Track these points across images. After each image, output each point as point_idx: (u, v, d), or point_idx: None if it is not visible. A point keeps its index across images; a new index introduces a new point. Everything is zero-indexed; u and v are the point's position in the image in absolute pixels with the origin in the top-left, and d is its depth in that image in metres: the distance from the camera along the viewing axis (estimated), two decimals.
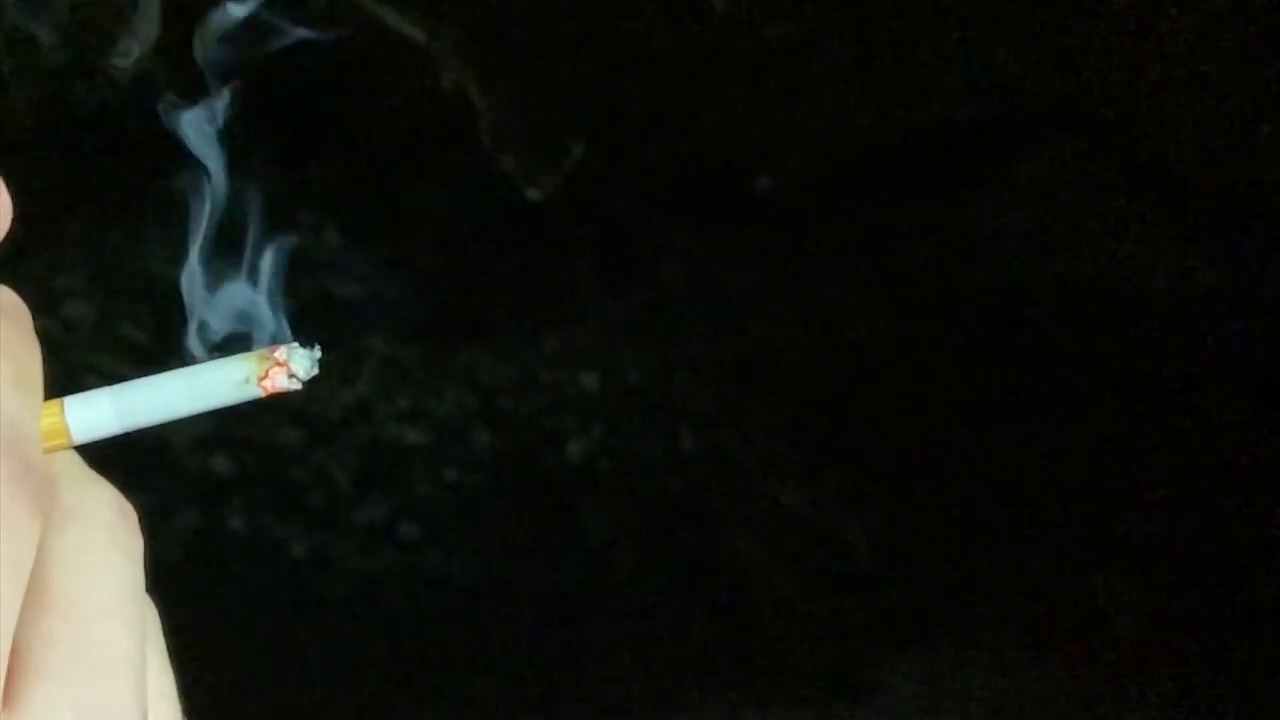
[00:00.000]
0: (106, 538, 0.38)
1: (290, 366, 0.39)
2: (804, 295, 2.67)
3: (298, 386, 0.40)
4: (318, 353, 0.40)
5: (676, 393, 2.59)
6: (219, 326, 0.43)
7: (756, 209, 2.71)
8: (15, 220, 0.40)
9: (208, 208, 0.46)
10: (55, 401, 0.39)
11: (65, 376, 0.43)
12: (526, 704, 2.23)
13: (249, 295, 0.45)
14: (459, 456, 2.48)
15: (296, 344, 0.40)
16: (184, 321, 0.45)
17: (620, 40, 2.61)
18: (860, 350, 2.63)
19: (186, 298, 0.45)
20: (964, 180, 2.76)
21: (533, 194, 2.42)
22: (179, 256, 0.46)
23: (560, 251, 2.65)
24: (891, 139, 2.73)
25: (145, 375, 0.40)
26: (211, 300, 0.45)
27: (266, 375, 0.39)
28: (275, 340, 0.41)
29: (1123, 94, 2.66)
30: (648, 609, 2.36)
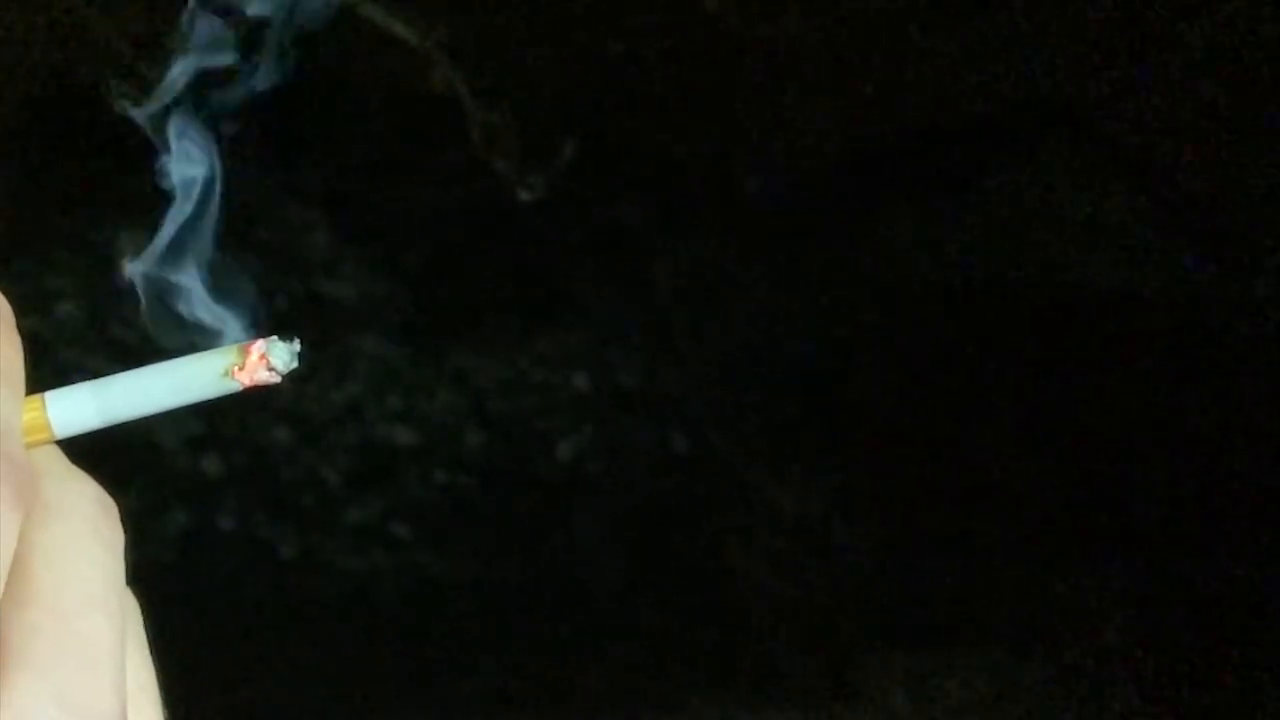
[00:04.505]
0: (88, 531, 0.38)
1: (269, 359, 0.40)
2: (795, 297, 2.68)
3: (277, 379, 0.40)
4: (297, 345, 0.40)
5: (668, 394, 2.59)
6: (203, 322, 0.43)
7: (747, 210, 2.71)
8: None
9: (199, 207, 0.47)
10: (37, 396, 0.40)
11: (54, 375, 0.43)
12: (517, 704, 2.23)
13: (234, 292, 0.45)
14: (450, 457, 2.48)
15: (275, 337, 0.40)
16: (171, 318, 0.45)
17: (611, 42, 2.61)
18: (851, 352, 2.63)
19: (178, 293, 0.45)
20: (956, 181, 2.76)
21: (524, 195, 2.43)
22: (172, 254, 0.46)
23: (551, 252, 2.65)
24: (881, 141, 2.73)
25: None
26: (198, 296, 0.45)
27: (245, 368, 0.40)
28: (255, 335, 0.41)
29: (1113, 97, 2.67)
30: (638, 610, 2.36)
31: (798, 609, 2.37)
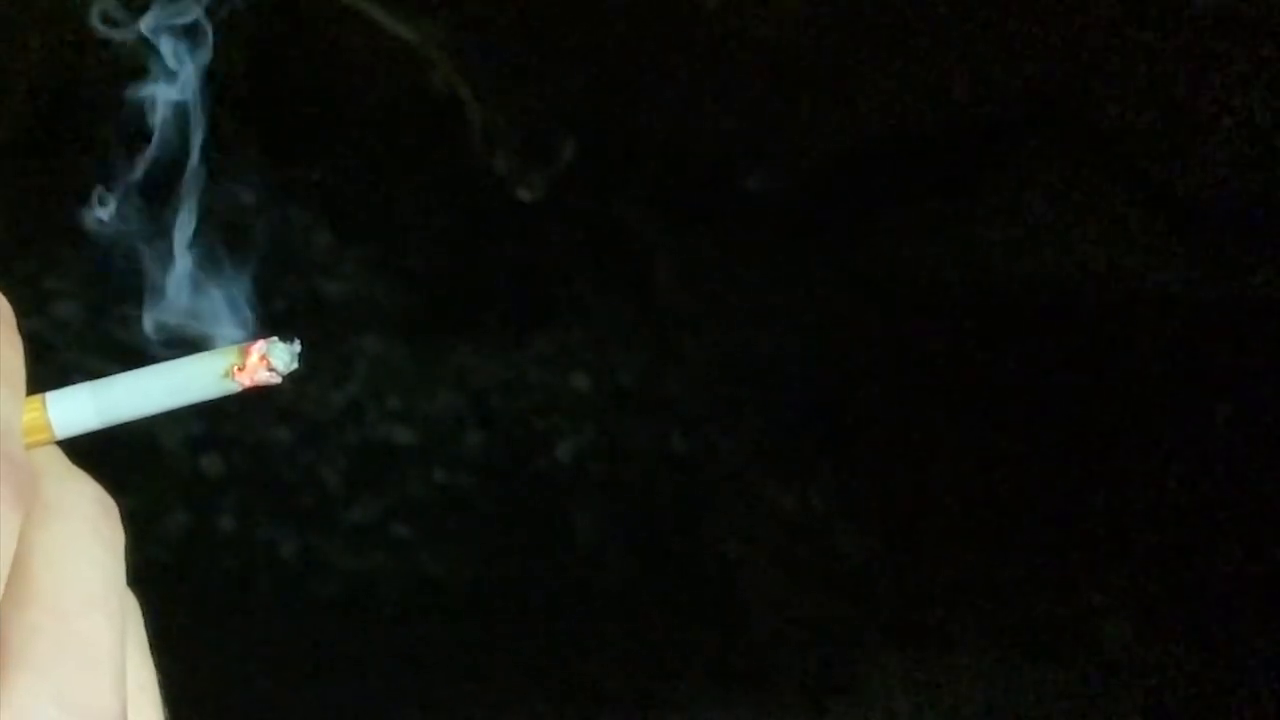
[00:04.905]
0: (88, 531, 0.39)
1: (270, 360, 0.40)
2: (795, 297, 2.68)
3: (277, 380, 0.40)
4: (297, 346, 0.40)
5: (667, 394, 2.59)
6: (200, 323, 0.43)
7: (748, 210, 2.71)
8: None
9: (198, 207, 0.47)
10: (37, 397, 0.40)
11: (54, 375, 0.43)
12: (516, 704, 2.23)
13: (234, 293, 0.45)
14: (450, 456, 2.48)
15: (275, 338, 0.40)
16: (169, 319, 0.45)
17: (611, 41, 2.61)
18: (851, 352, 2.63)
19: (172, 293, 0.45)
20: (956, 181, 2.76)
21: (523, 194, 2.43)
22: (169, 255, 0.46)
23: (551, 252, 2.65)
24: (881, 141, 2.73)
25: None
26: (196, 297, 0.45)
27: (245, 368, 0.40)
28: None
29: (1111, 99, 2.67)
30: (638, 609, 2.36)
31: (797, 608, 2.37)
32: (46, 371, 0.42)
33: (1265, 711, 2.25)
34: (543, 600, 2.36)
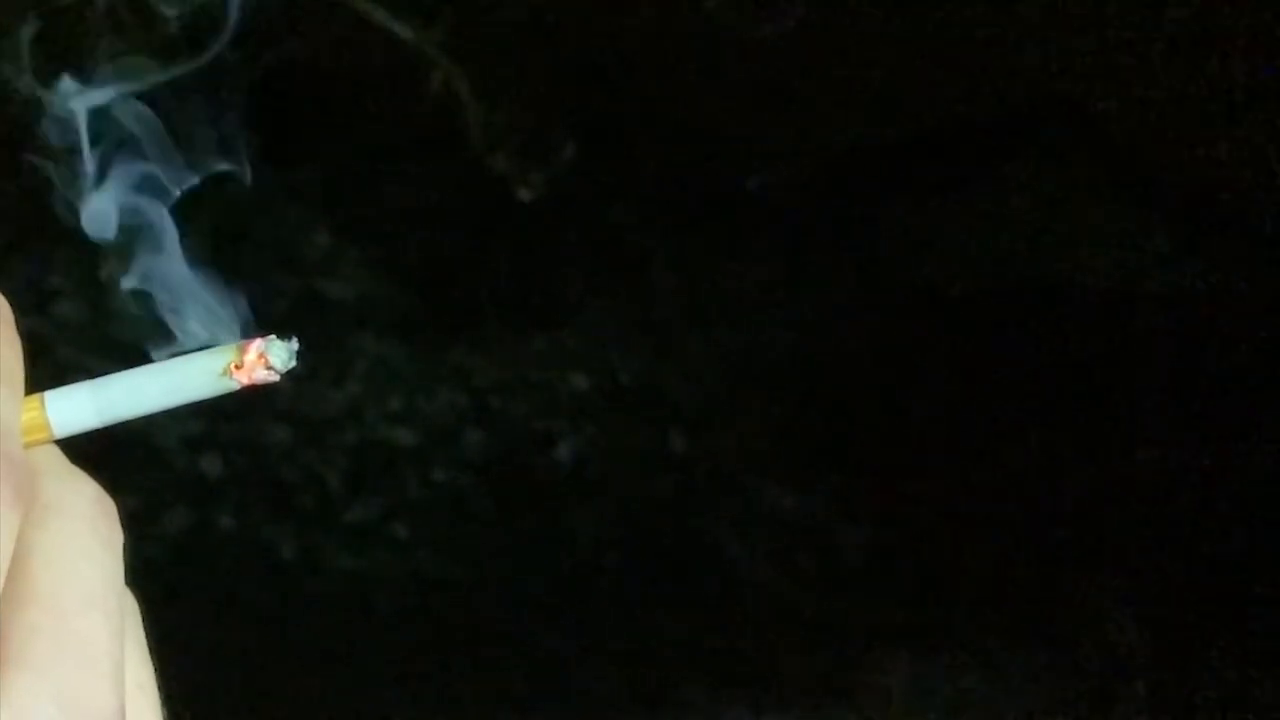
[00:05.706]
0: (87, 530, 0.39)
1: (268, 358, 0.40)
2: (795, 297, 2.68)
3: (275, 378, 0.40)
4: (295, 344, 0.40)
5: (667, 394, 2.59)
6: (201, 323, 0.43)
7: (747, 210, 2.71)
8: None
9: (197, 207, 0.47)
10: (36, 396, 0.40)
11: (54, 375, 0.43)
12: (515, 705, 2.23)
13: (233, 292, 0.45)
14: (449, 457, 2.48)
15: (274, 336, 0.40)
16: (169, 319, 0.45)
17: (611, 40, 2.61)
18: (851, 351, 2.63)
19: (171, 294, 0.45)
20: (954, 181, 2.76)
21: (523, 194, 2.43)
22: (169, 255, 0.46)
23: (551, 252, 2.65)
24: (880, 141, 2.74)
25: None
26: (194, 296, 0.45)
27: (244, 367, 0.40)
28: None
29: (1108, 96, 2.67)
30: (637, 610, 2.36)
31: (797, 609, 2.37)
32: (46, 371, 0.42)
33: (1266, 710, 2.25)
34: (541, 601, 2.36)
